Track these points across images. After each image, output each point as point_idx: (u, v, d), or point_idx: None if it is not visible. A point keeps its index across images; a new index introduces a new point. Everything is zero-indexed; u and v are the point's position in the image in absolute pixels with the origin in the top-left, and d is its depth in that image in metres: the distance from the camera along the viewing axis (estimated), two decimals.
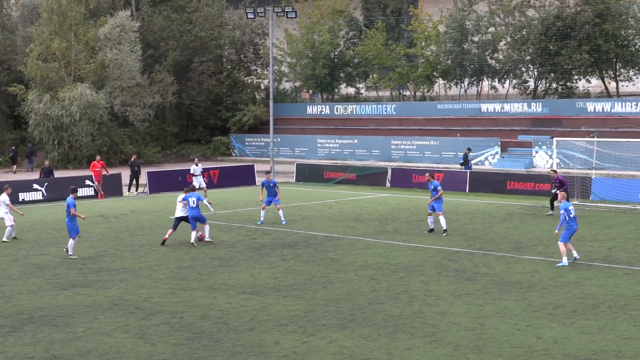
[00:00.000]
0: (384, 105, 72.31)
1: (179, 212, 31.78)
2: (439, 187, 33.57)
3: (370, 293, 23.23)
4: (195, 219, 31.46)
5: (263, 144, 73.65)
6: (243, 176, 54.93)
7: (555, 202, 37.23)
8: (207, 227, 32.26)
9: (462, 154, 54.33)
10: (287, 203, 43.92)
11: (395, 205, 43.23)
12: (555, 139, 47.55)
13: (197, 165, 47.98)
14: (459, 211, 40.29)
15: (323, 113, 75.52)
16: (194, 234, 31.49)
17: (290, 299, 22.67)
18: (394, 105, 71.92)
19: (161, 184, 51.40)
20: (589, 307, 21.29)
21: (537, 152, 57.66)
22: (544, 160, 56.86)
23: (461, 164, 53.26)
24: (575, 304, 21.70)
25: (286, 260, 28.26)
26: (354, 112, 73.40)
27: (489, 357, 17.42)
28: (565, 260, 26.86)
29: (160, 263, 28.15)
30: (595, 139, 48.22)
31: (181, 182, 51.58)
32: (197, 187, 39.26)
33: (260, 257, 29.03)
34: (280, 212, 36.89)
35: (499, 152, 59.85)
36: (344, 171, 55.36)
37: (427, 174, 36.13)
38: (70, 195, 29.82)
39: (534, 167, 56.35)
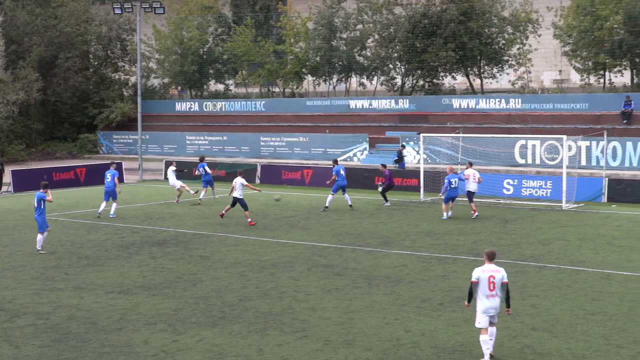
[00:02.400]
0: (253, 102, 72.14)
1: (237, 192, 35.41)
2: (334, 172, 40.33)
3: (240, 290, 23.16)
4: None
5: (131, 141, 72.71)
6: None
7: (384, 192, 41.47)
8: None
9: (397, 150, 53.78)
10: (156, 201, 43.65)
11: (264, 201, 43.09)
12: (422, 134, 47.87)
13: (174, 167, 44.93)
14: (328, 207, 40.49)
15: (192, 110, 75.01)
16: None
17: (160, 297, 22.43)
18: (263, 102, 71.83)
19: (26, 182, 50.03)
20: (456, 300, 21.62)
21: (404, 147, 57.95)
22: (411, 155, 57.53)
23: (395, 161, 53.01)
24: (442, 296, 22.05)
25: (155, 259, 27.95)
26: (223, 109, 73.04)
27: (358, 351, 17.55)
28: (445, 215, 36.14)
29: (25, 263, 27.46)
30: (461, 135, 48.87)
31: (46, 180, 50.61)
32: (175, 186, 43.26)
33: (128, 255, 28.65)
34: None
35: (367, 148, 60.32)
36: (213, 168, 54.60)
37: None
38: (41, 190, 29.30)
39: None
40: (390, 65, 68.82)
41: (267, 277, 24.76)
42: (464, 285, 22.92)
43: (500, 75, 66.37)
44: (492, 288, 16.64)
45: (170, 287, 23.69)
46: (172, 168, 44.08)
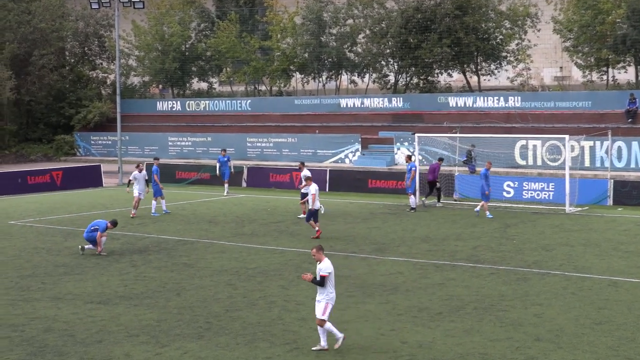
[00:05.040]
0: (239, 101, 71.46)
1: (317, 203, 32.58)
2: (411, 167, 40.17)
3: (226, 299, 22.77)
4: None
5: (110, 142, 71.74)
6: (89, 177, 52.96)
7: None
8: None
9: (466, 150, 51.11)
10: None
11: (251, 206, 42.79)
12: (416, 135, 47.14)
13: (140, 171, 39.53)
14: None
15: (174, 109, 74.30)
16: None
17: (142, 307, 22.00)
18: (249, 101, 71.15)
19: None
20: (454, 309, 21.43)
21: (398, 148, 57.45)
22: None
23: (464, 162, 50.98)
24: (440, 305, 21.77)
25: (136, 267, 27.43)
26: (207, 108, 72.43)
27: None
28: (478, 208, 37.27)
29: None
30: (458, 135, 48.38)
31: (21, 184, 49.36)
32: (137, 195, 38.63)
33: (108, 263, 28.06)
34: None
35: (360, 149, 59.64)
36: (197, 171, 54.38)
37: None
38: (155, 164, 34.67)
39: (396, 164, 56.25)
40: (383, 62, 68.67)
41: (255, 286, 24.35)
42: (463, 294, 23.11)
43: (499, 72, 66.10)
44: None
45: (152, 296, 23.25)
46: (143, 173, 39.46)
